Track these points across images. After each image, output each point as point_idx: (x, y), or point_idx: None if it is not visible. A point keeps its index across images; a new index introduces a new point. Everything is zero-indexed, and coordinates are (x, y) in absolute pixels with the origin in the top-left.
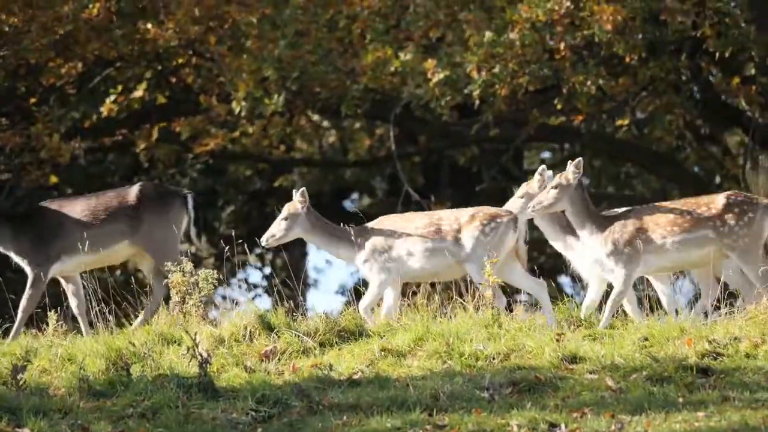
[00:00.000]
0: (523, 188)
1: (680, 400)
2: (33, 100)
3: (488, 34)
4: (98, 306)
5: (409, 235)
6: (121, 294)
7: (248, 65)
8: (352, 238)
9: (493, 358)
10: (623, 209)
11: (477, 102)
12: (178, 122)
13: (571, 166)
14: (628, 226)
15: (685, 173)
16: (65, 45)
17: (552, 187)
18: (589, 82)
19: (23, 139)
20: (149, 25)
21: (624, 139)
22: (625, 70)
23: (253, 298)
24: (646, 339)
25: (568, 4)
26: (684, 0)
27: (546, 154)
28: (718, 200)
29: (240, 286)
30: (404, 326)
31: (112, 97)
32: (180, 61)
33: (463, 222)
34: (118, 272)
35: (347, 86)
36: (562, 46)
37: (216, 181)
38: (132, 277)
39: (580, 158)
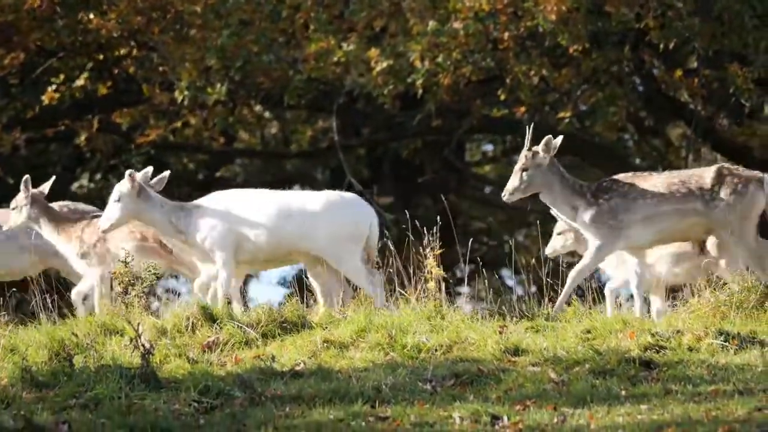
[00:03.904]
0: None
1: (623, 393)
2: None
3: (432, 24)
4: (41, 296)
5: None
6: (63, 284)
7: (191, 54)
8: None
9: (436, 350)
10: None
11: (420, 92)
12: (119, 113)
13: None
14: None
15: (627, 166)
16: (7, 35)
17: None
18: (532, 73)
19: None
20: (92, 16)
21: (566, 132)
22: (568, 61)
23: None
24: (589, 331)
25: None
26: None
27: (488, 146)
28: None
29: (177, 278)
30: (347, 318)
31: (54, 86)
32: (122, 51)
33: None
34: None
35: (290, 76)
36: (505, 36)
37: (160, 172)
38: None
39: None
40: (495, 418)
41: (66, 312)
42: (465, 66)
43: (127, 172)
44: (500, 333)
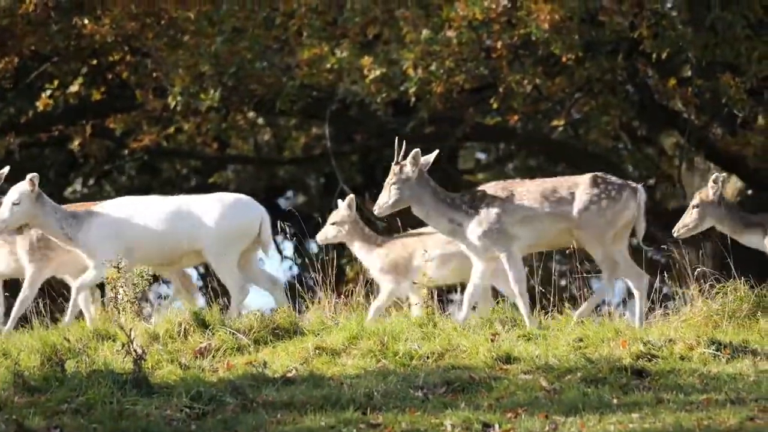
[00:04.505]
0: None
1: (615, 401)
2: None
3: (425, 32)
4: (33, 301)
5: None
6: (55, 289)
7: (185, 60)
8: None
9: (428, 358)
10: None
11: (413, 100)
12: (113, 118)
13: None
14: None
15: (621, 174)
16: (1, 40)
17: None
18: (525, 82)
19: None
20: (86, 21)
21: (559, 140)
22: (561, 70)
23: None
24: (581, 340)
25: (505, 2)
26: (621, 1)
27: (481, 154)
28: None
29: (169, 283)
30: (339, 325)
31: (48, 92)
32: (116, 57)
33: None
34: None
35: (283, 83)
36: (498, 44)
37: (153, 178)
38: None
39: None
40: (486, 425)
41: (58, 317)
42: (458, 74)
43: (29, 175)
44: (492, 341)
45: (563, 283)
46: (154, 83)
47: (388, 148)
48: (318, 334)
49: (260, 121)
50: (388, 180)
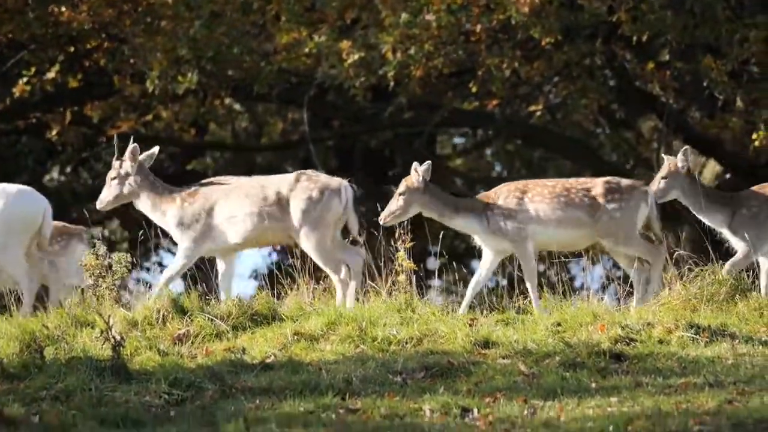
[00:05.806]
0: None
1: (593, 385)
2: None
3: (404, 16)
4: (12, 289)
5: None
6: None
7: (163, 45)
8: None
9: (406, 343)
10: None
11: (391, 84)
12: (90, 105)
13: None
14: None
15: (599, 158)
16: None
17: None
18: (504, 66)
19: None
20: (63, 8)
21: (538, 124)
22: (540, 54)
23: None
24: (559, 324)
25: None
26: None
27: (459, 139)
28: None
29: (149, 270)
30: (317, 310)
31: (25, 80)
32: (93, 44)
33: None
34: None
35: (261, 67)
36: (477, 28)
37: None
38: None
39: None
40: (465, 410)
41: (37, 304)
42: (437, 58)
43: None
44: (470, 326)
45: (541, 268)
46: (131, 69)
47: (366, 133)
48: (296, 320)
49: (238, 107)
50: (108, 175)
